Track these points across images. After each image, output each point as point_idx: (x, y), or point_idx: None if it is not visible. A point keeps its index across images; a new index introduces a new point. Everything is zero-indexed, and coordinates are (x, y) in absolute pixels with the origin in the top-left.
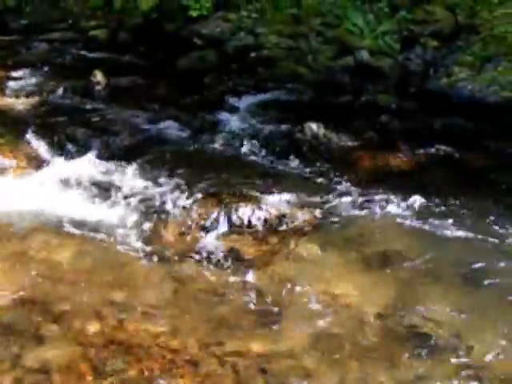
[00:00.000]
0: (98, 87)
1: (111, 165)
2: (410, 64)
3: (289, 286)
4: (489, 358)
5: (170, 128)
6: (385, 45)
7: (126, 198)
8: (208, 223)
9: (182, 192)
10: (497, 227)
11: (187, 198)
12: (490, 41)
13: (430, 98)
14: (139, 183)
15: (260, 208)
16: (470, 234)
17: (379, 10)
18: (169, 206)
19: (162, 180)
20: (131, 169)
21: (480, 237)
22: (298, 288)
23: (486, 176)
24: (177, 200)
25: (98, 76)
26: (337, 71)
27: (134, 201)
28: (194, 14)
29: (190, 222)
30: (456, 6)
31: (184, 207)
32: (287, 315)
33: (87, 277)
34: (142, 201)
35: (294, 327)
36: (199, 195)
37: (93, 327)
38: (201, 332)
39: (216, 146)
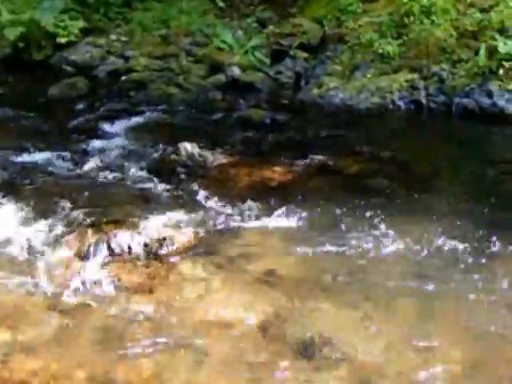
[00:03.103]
0: None
1: None
2: (281, 77)
3: (174, 309)
4: (373, 365)
5: (43, 159)
6: (255, 60)
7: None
8: (87, 253)
9: (59, 223)
10: (375, 231)
11: (64, 229)
12: (357, 49)
13: (302, 109)
14: (14, 219)
15: (139, 233)
16: (350, 242)
17: (248, 26)
18: (45, 239)
19: (37, 213)
20: (4, 204)
21: (360, 243)
22: (183, 310)
23: (361, 181)
24: (53, 232)
25: None
26: (209, 89)
27: (8, 237)
28: (63, 40)
29: (68, 254)
30: (323, 17)
31: (61, 239)
32: (175, 339)
33: None
34: (16, 236)
35: (182, 350)
36: (76, 225)
37: None
38: (89, 364)
39: (90, 173)
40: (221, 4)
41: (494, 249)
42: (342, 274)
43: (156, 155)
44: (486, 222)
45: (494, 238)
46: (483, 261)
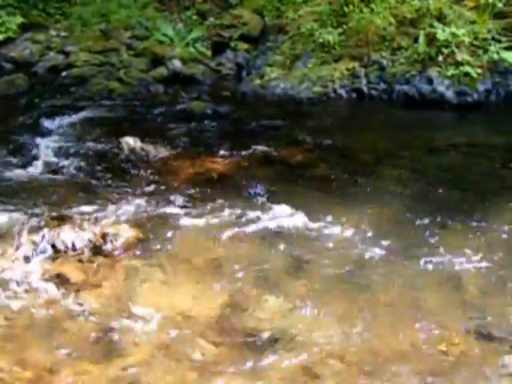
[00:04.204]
0: None
1: None
2: (222, 68)
3: (120, 304)
4: (320, 347)
5: None
6: (196, 52)
7: None
8: (31, 251)
9: (0, 221)
10: (320, 219)
11: (6, 227)
12: (298, 39)
13: (244, 100)
14: None
15: (83, 229)
16: (296, 231)
17: (188, 19)
18: None
19: None
20: None
21: (304, 232)
22: (129, 306)
23: (305, 170)
24: None
25: None
26: (150, 83)
27: None
28: (1, 37)
29: (12, 252)
30: (263, 7)
31: (4, 237)
32: (122, 335)
33: None
34: None
35: (130, 347)
36: (19, 222)
37: None
38: (38, 363)
39: (32, 170)
40: None
41: (434, 232)
42: (287, 264)
43: (98, 151)
44: (428, 207)
45: (434, 222)
46: (424, 244)
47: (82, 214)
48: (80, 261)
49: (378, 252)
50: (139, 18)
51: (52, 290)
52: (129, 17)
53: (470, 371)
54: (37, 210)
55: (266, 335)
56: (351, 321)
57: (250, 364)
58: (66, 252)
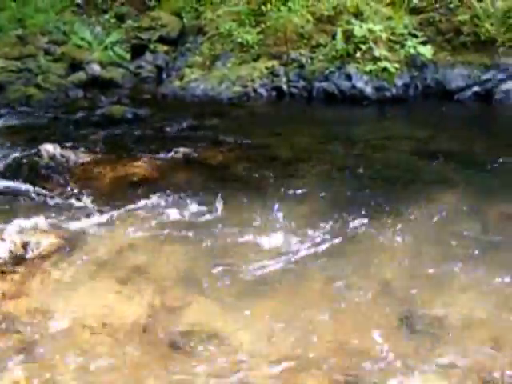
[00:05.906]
0: None
1: None
2: (142, 71)
3: (44, 314)
4: (251, 348)
5: None
6: (115, 55)
7: None
8: None
9: None
10: (241, 219)
11: None
12: (217, 39)
13: (164, 103)
14: None
15: (3, 239)
16: (217, 232)
17: (106, 22)
18: None
19: None
20: None
21: (226, 233)
22: (53, 315)
23: (226, 170)
24: None
25: None
26: (69, 88)
27: None
28: None
29: None
30: (181, 9)
31: None
32: (45, 346)
33: None
34: None
35: (55, 356)
36: None
37: None
38: None
39: None
40: (78, 1)
41: (356, 225)
42: (211, 265)
43: (16, 158)
44: (349, 201)
45: (356, 216)
46: (346, 238)
47: (1, 223)
48: (1, 272)
49: (301, 248)
50: (56, 22)
51: None
52: (46, 21)
53: (393, 365)
54: None
55: (194, 338)
56: (280, 319)
57: (179, 368)
58: None
